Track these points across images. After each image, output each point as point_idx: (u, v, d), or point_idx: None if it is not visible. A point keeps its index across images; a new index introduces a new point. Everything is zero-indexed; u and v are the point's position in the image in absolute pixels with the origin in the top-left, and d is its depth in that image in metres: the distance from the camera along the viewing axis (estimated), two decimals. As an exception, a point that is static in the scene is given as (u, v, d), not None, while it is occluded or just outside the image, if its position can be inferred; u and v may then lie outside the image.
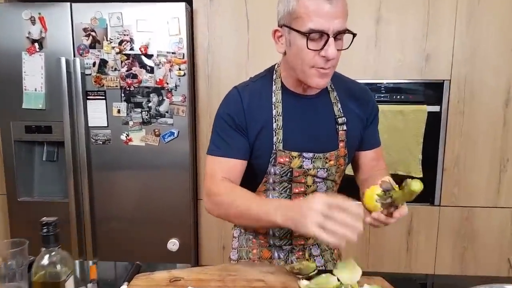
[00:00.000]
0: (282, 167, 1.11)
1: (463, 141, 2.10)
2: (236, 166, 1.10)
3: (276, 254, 1.22)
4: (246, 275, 1.07)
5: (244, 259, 1.24)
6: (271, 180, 1.14)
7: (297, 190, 1.15)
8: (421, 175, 2.09)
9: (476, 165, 2.11)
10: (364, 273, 1.02)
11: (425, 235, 2.16)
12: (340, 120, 1.14)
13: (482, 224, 2.14)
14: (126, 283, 1.06)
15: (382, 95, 2.11)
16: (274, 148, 1.10)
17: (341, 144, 1.14)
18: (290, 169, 1.12)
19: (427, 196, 2.16)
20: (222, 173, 1.08)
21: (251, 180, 1.16)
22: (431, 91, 2.11)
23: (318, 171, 1.13)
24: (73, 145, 2.03)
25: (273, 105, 1.11)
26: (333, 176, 1.18)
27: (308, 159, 1.12)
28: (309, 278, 1.03)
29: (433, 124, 2.10)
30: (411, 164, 2.11)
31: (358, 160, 1.23)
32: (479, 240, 2.16)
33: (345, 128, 1.14)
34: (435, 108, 2.10)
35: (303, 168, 1.12)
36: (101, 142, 2.07)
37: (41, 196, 2.18)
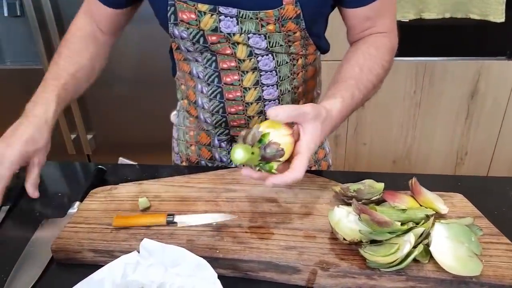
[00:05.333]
0: (188, 29, 0.71)
1: None
2: (100, 9, 0.81)
3: (216, 141, 0.91)
4: (250, 193, 0.70)
5: (181, 141, 0.96)
6: (182, 47, 0.77)
7: (225, 66, 0.76)
8: (502, 19, 1.52)
9: None
10: (437, 184, 0.66)
11: (492, 98, 1.69)
12: None
13: None
14: (77, 203, 0.74)
15: None
16: None
17: None
18: (201, 32, 0.71)
19: (503, 48, 1.62)
20: (86, 5, 0.83)
21: None
22: None
23: (249, 38, 0.71)
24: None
25: None
26: (284, 48, 0.74)
27: (230, 18, 0.69)
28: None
29: None
30: (491, 2, 1.51)
31: (344, 19, 0.78)
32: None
33: None
34: None
35: (221, 32, 0.70)
36: (69, -10, 1.56)
37: (14, 63, 1.80)
